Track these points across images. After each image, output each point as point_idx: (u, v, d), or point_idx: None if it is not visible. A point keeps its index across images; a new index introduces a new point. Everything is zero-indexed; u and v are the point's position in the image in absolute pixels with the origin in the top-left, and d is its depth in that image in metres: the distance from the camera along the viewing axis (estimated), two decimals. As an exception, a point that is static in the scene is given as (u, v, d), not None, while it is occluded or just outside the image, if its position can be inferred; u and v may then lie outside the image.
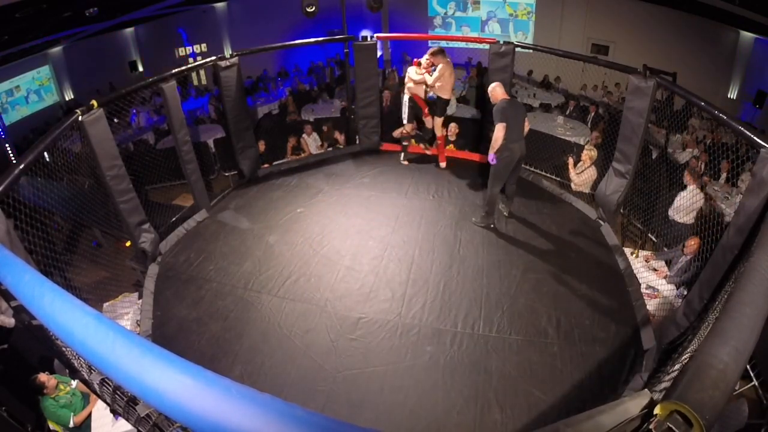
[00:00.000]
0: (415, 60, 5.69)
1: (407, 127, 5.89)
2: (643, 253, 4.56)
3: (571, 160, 5.51)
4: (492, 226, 4.74)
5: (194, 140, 5.42)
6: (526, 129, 4.47)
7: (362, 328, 3.63)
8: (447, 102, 5.54)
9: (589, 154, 5.26)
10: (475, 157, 6.22)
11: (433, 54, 5.34)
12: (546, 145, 6.21)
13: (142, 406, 1.79)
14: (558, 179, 5.98)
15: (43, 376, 3.09)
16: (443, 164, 6.00)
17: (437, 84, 5.32)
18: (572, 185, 5.46)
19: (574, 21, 11.33)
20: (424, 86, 5.50)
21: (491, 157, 4.47)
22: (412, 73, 5.58)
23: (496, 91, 4.44)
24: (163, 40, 12.15)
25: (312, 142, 6.79)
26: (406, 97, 5.72)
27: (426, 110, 5.65)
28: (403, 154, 6.15)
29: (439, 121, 5.67)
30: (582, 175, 5.32)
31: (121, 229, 4.30)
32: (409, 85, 5.58)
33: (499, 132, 4.24)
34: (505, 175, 4.51)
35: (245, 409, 0.89)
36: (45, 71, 10.56)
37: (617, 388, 3.14)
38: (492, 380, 3.19)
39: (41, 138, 3.23)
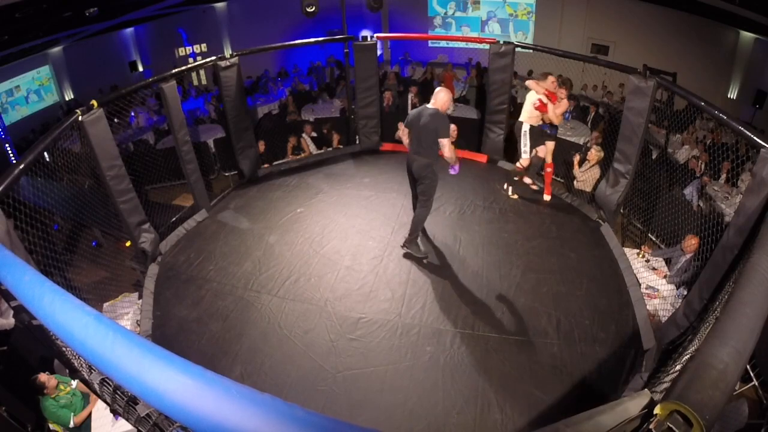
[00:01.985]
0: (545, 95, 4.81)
1: (524, 161, 5.14)
2: (643, 247, 4.58)
3: (577, 157, 5.55)
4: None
5: (194, 140, 5.43)
6: (443, 152, 3.82)
7: (362, 328, 3.63)
8: (556, 128, 5.12)
9: (597, 154, 5.29)
10: (476, 157, 6.22)
11: (564, 84, 4.79)
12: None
13: (142, 406, 1.79)
14: (558, 179, 5.99)
15: (43, 376, 3.09)
16: (548, 197, 5.28)
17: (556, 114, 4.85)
18: (575, 182, 5.48)
19: (574, 21, 11.32)
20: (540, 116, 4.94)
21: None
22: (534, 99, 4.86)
23: (435, 95, 3.88)
24: (163, 40, 12.15)
25: (312, 141, 6.79)
26: (526, 127, 5.00)
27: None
28: (511, 188, 5.39)
29: (551, 146, 5.13)
30: (586, 174, 5.34)
31: (121, 229, 4.30)
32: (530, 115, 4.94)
33: (399, 132, 4.19)
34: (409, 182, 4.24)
35: (245, 409, 0.89)
36: (45, 71, 10.55)
37: (617, 388, 3.14)
38: (492, 380, 3.19)
39: (41, 138, 3.24)
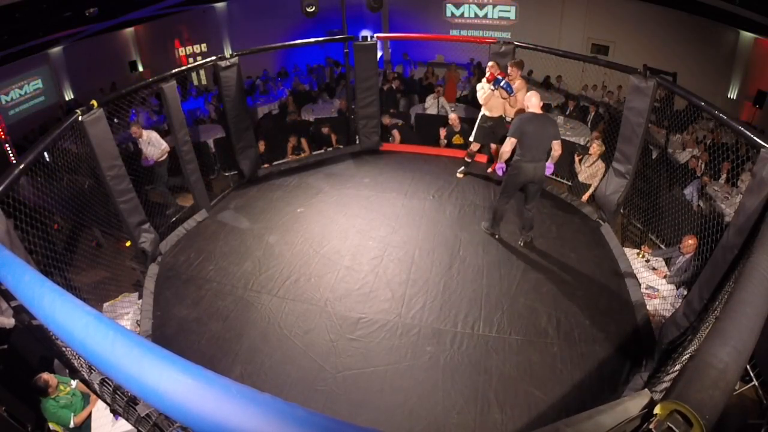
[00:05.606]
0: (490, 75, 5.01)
1: (473, 146, 5.58)
2: (643, 247, 4.58)
3: (577, 158, 5.56)
4: (496, 236, 4.55)
5: (194, 140, 5.42)
6: (556, 153, 4.04)
7: (362, 328, 3.63)
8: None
9: (598, 148, 5.33)
10: (476, 156, 6.20)
11: (515, 65, 4.96)
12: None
13: (142, 406, 1.79)
14: (559, 179, 5.98)
15: (46, 376, 3.09)
16: (491, 171, 5.64)
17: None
18: (579, 176, 5.48)
19: (574, 21, 11.32)
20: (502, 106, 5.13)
21: (497, 167, 4.30)
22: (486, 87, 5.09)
23: (530, 100, 4.00)
24: (163, 40, 12.16)
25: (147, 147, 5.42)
26: (479, 114, 5.36)
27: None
28: (463, 167, 5.77)
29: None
30: (591, 168, 5.36)
31: (121, 229, 4.30)
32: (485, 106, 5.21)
33: (505, 146, 4.01)
34: (512, 191, 4.24)
35: (245, 409, 0.89)
36: (44, 71, 10.56)
37: (617, 388, 3.15)
38: (492, 380, 3.19)
39: (41, 138, 3.24)
